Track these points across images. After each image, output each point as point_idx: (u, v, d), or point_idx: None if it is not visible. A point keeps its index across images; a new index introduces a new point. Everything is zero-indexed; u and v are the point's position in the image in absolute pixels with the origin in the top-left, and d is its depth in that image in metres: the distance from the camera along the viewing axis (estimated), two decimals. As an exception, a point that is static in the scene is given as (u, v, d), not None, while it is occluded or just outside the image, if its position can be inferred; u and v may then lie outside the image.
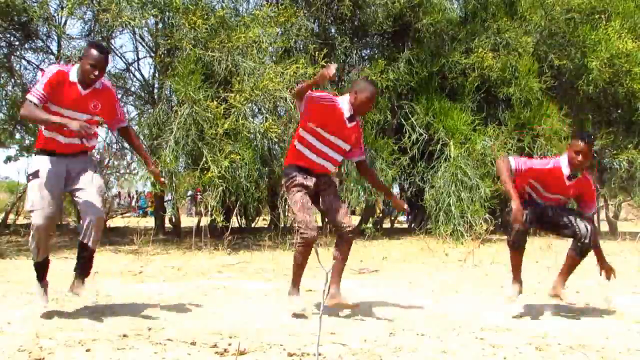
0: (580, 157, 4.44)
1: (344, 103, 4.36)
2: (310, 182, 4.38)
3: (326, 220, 4.76)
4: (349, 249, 4.44)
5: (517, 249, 4.60)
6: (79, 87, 4.02)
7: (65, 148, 4.10)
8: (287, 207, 13.68)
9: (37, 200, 3.97)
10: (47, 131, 4.06)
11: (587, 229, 4.45)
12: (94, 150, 4.44)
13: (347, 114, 4.36)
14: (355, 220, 8.96)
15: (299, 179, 4.34)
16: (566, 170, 4.51)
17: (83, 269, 4.19)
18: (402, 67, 11.70)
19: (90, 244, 4.08)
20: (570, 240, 4.60)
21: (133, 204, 23.73)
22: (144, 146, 4.32)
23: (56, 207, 4.06)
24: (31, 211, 4.02)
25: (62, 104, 3.98)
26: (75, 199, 4.13)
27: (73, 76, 4.02)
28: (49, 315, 4.24)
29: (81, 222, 4.08)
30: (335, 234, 4.48)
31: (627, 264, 7.55)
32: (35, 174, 4.01)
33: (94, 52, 3.98)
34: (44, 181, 4.00)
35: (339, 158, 4.48)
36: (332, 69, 3.99)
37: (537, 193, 4.64)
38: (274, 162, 10.93)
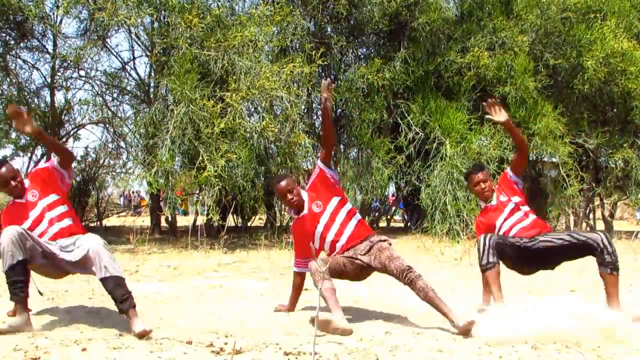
0: (483, 185, 4.52)
1: (291, 214, 4.55)
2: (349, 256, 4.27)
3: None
4: (420, 287, 4.10)
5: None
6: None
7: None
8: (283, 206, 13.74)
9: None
10: None
11: (600, 235, 4.30)
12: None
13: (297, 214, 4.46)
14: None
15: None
16: (483, 204, 4.63)
17: (120, 302, 3.78)
18: (398, 66, 11.72)
19: (108, 274, 3.79)
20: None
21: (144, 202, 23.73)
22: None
23: None
24: None
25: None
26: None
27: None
28: (44, 314, 4.23)
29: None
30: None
31: (623, 263, 7.56)
32: None
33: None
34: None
35: (352, 230, 4.33)
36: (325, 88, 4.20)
37: (500, 230, 4.52)
38: (270, 162, 10.92)
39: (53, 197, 4.07)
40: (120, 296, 3.74)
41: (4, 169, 4.03)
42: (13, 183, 4.01)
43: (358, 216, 4.42)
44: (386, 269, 4.15)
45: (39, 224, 3.98)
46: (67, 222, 4.06)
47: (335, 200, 4.36)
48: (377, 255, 4.19)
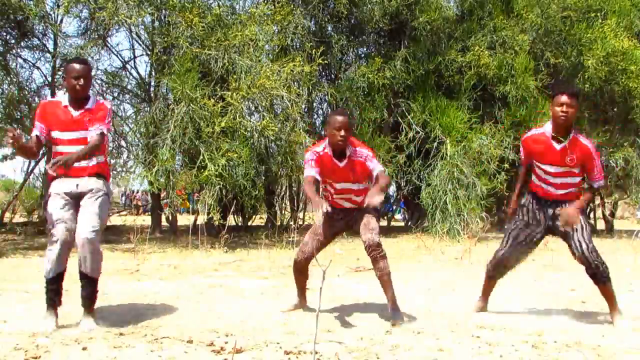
0: (564, 108, 4.09)
1: (326, 147, 4.29)
2: (339, 216, 4.38)
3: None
4: (379, 267, 4.17)
5: (491, 278, 4.55)
6: (70, 109, 4.00)
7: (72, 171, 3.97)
8: (283, 205, 13.70)
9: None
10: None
11: (585, 250, 4.09)
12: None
13: (330, 152, 4.28)
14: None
15: (329, 213, 4.13)
16: (548, 129, 4.23)
17: (86, 300, 3.92)
18: (399, 65, 11.72)
19: (86, 269, 3.86)
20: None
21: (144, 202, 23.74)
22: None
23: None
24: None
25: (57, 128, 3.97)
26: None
27: (64, 101, 4.03)
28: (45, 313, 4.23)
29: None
30: None
31: (623, 262, 7.56)
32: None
33: (75, 65, 3.99)
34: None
35: (361, 187, 4.35)
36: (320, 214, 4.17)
37: (543, 174, 4.30)
38: (270, 160, 10.93)
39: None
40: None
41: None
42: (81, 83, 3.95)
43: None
44: (358, 233, 4.30)
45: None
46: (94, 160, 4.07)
47: (361, 184, 4.35)
48: (358, 220, 4.29)
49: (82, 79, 3.95)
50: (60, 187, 3.96)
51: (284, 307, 4.60)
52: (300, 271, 4.48)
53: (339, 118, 4.16)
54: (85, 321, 3.87)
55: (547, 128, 4.26)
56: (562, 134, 4.18)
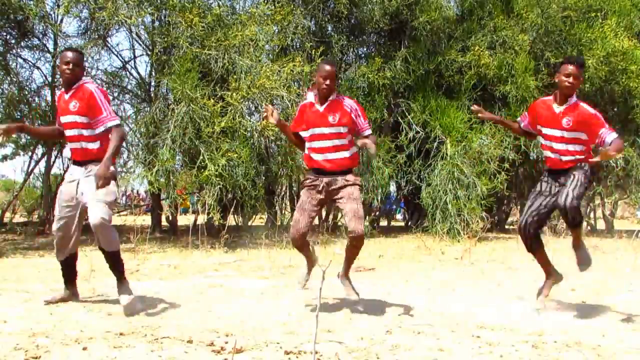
0: (570, 79, 4.36)
1: (310, 96, 4.60)
2: (320, 182, 4.51)
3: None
4: (352, 253, 4.52)
5: (534, 251, 4.67)
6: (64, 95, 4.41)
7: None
8: (283, 205, 13.70)
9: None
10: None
11: (569, 202, 4.23)
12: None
13: (314, 100, 4.55)
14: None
15: (309, 180, 4.57)
16: (551, 97, 4.54)
17: (112, 271, 4.42)
18: (399, 65, 11.71)
19: (102, 245, 4.29)
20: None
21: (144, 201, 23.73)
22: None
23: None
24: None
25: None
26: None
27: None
28: (45, 313, 4.24)
29: None
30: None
31: (623, 262, 7.57)
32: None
33: (64, 54, 4.40)
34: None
35: (340, 142, 4.51)
36: (271, 112, 4.46)
37: (548, 142, 4.55)
38: (270, 160, 10.93)
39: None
40: None
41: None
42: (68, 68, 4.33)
43: (354, 154, 4.59)
44: (343, 212, 4.51)
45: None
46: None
47: (348, 134, 4.51)
48: (346, 202, 4.45)
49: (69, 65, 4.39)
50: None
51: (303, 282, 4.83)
52: (301, 246, 4.62)
53: (326, 67, 4.52)
54: (122, 297, 4.28)
55: (549, 96, 4.58)
56: (565, 101, 4.45)
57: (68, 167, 4.52)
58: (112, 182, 4.27)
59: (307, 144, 4.59)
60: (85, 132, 4.30)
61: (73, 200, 4.38)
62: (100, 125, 4.32)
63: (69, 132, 4.40)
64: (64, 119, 4.39)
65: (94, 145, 4.35)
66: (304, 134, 4.60)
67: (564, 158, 4.47)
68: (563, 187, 4.36)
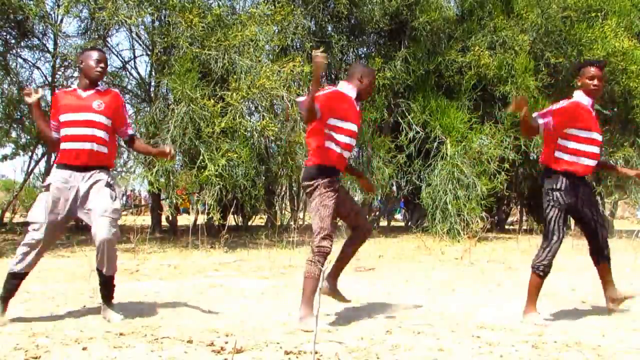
0: (595, 82, 4.21)
1: (347, 89, 4.25)
2: (337, 185, 4.19)
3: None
4: (359, 247, 4.42)
5: (544, 276, 4.33)
6: (79, 91, 4.21)
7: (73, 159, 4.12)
8: (283, 205, 13.67)
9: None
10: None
11: (604, 232, 4.30)
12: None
13: (354, 97, 4.25)
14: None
15: (331, 182, 4.10)
16: (587, 101, 4.25)
17: (102, 293, 4.17)
18: (399, 65, 11.72)
19: (103, 270, 4.06)
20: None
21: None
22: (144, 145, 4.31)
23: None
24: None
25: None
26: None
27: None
28: (45, 313, 4.23)
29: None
30: (352, 232, 4.40)
31: (623, 262, 7.56)
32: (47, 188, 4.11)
33: (93, 52, 4.25)
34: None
35: (354, 144, 4.38)
36: (320, 55, 3.87)
37: (586, 147, 4.22)
38: (270, 160, 10.93)
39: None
40: None
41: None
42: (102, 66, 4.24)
43: None
44: (352, 212, 4.38)
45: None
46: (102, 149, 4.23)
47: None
48: (352, 206, 4.40)
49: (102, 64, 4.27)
50: None
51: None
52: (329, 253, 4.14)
53: (373, 72, 4.45)
54: (104, 310, 4.15)
55: (581, 99, 4.27)
56: (593, 105, 4.32)
57: (50, 170, 4.24)
58: (117, 199, 4.11)
59: (332, 135, 4.12)
60: (99, 134, 4.05)
61: (64, 209, 4.04)
62: (125, 135, 4.35)
63: (78, 131, 4.08)
64: (78, 116, 4.09)
65: (104, 149, 4.16)
66: (332, 120, 4.11)
67: (595, 161, 4.30)
68: (589, 211, 4.28)
